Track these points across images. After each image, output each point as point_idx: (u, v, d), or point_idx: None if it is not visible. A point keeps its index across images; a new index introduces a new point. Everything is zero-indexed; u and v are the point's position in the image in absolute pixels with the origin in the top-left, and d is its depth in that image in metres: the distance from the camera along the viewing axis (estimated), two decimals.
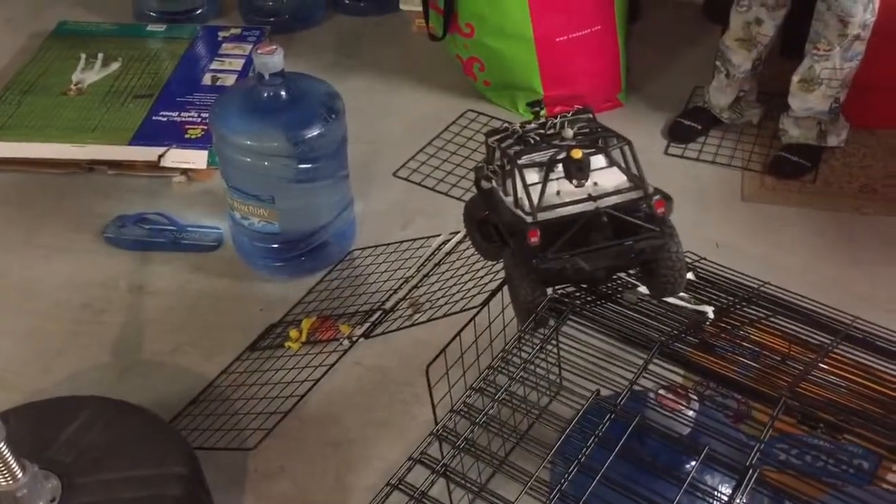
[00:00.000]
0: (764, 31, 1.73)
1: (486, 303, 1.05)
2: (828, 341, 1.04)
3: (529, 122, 1.06)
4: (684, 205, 1.74)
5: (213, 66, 2.10)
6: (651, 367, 0.97)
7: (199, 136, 1.86)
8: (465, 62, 2.00)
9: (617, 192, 0.98)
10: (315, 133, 1.44)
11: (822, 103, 1.74)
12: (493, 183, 1.04)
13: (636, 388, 0.96)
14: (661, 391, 0.97)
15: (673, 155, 1.88)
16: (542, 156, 1.00)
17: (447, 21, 1.92)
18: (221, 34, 2.21)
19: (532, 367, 1.13)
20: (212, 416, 1.35)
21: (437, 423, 0.96)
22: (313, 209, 1.55)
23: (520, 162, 0.98)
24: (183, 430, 1.31)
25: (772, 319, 1.10)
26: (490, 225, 1.09)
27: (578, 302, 1.08)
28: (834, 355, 1.02)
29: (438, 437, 0.93)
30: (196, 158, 1.81)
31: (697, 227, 1.68)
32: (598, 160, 1.00)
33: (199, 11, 2.36)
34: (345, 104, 1.51)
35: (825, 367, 1.00)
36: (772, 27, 1.73)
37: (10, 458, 0.95)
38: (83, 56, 2.12)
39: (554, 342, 1.14)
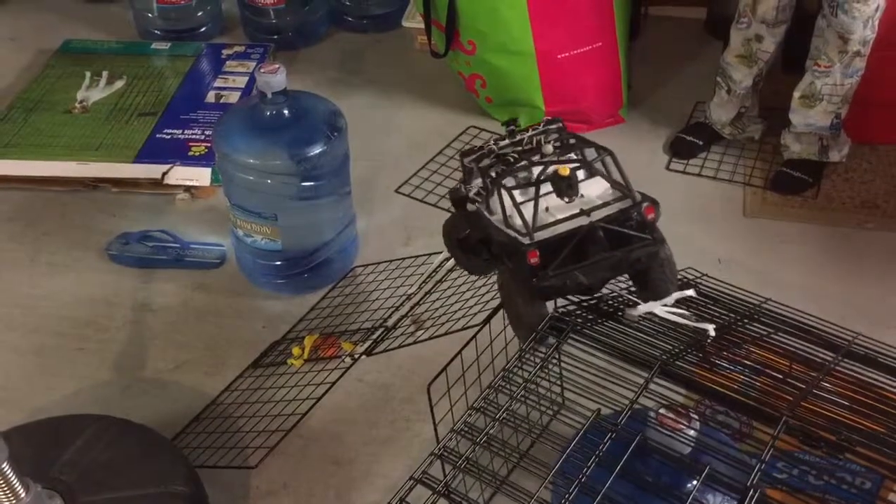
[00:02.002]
0: (764, 48, 1.74)
1: (487, 320, 1.05)
2: (829, 359, 1.03)
3: (503, 139, 1.06)
4: (685, 220, 1.75)
5: (217, 83, 2.11)
6: (652, 385, 0.97)
7: (203, 153, 1.87)
8: (467, 79, 2.01)
9: (606, 203, 0.99)
10: (317, 151, 1.45)
11: (824, 119, 1.74)
12: (478, 205, 1.04)
13: (637, 407, 0.96)
14: (662, 410, 0.97)
15: (674, 171, 1.88)
16: (525, 175, 1.01)
17: (449, 38, 1.93)
18: (225, 52, 2.22)
19: (533, 385, 1.13)
20: (214, 433, 1.35)
21: (438, 442, 0.96)
22: (316, 226, 1.56)
23: (505, 182, 0.98)
24: (185, 448, 1.31)
25: (773, 337, 1.10)
26: (477, 243, 1.09)
27: (580, 320, 1.08)
28: (836, 373, 1.02)
29: (440, 457, 0.93)
30: (199, 176, 1.82)
31: (699, 243, 1.68)
32: (581, 174, 1.01)
33: (203, 29, 2.38)
34: (347, 121, 1.52)
35: (827, 384, 1.00)
36: (772, 43, 1.73)
37: (12, 478, 0.95)
38: (88, 74, 2.13)
39: (555, 360, 1.14)
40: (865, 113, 1.80)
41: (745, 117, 1.88)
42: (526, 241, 0.95)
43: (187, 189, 1.83)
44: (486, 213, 1.02)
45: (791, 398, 0.95)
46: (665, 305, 1.07)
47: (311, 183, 1.47)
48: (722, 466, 0.89)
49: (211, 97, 2.07)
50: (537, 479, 0.93)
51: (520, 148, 1.04)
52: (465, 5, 1.86)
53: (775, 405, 0.93)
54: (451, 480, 0.92)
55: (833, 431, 0.89)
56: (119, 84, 2.11)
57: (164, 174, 1.82)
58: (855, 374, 1.03)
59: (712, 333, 1.04)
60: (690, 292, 1.13)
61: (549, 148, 1.03)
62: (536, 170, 1.01)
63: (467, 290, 1.51)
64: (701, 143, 1.91)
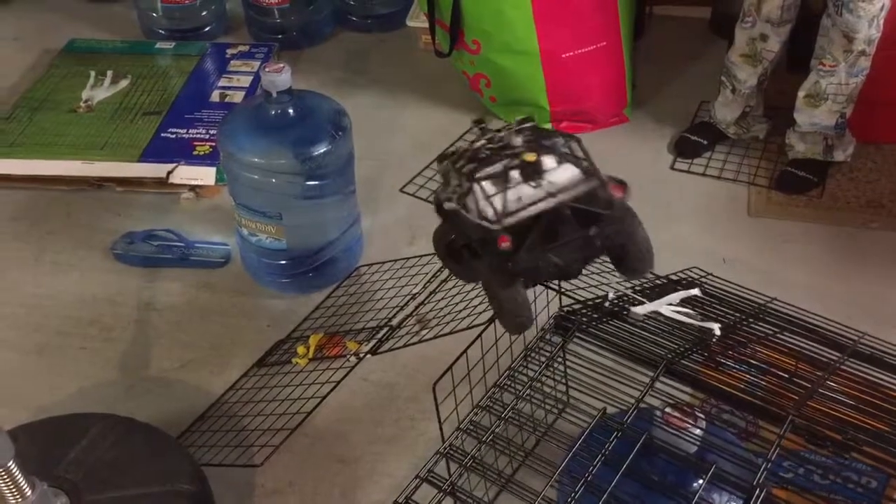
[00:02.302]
0: (769, 47, 1.74)
1: (492, 319, 1.05)
2: (835, 358, 1.03)
3: (476, 141, 1.07)
4: (690, 220, 1.75)
5: (222, 82, 2.11)
6: (658, 384, 0.97)
7: (208, 152, 1.87)
8: (471, 78, 2.01)
9: (573, 185, 0.99)
10: (322, 150, 1.45)
11: (828, 118, 1.74)
12: (455, 204, 1.04)
13: (643, 405, 0.96)
14: (668, 409, 0.97)
15: (679, 170, 1.88)
16: (495, 168, 1.02)
17: (453, 37, 1.93)
18: (230, 51, 2.22)
19: (539, 384, 1.13)
20: (219, 432, 1.35)
21: (444, 441, 0.96)
22: (320, 226, 1.56)
23: (477, 176, 1.00)
24: (190, 446, 1.31)
25: (779, 336, 1.10)
26: (461, 247, 1.09)
27: (585, 319, 1.08)
28: (841, 372, 1.02)
29: (445, 456, 0.93)
30: (204, 175, 1.82)
31: (704, 243, 1.68)
32: (549, 161, 1.01)
33: (207, 29, 2.38)
34: (352, 120, 1.52)
35: (833, 384, 1.00)
36: (777, 43, 1.73)
37: (19, 476, 0.96)
38: (92, 73, 2.13)
39: (560, 359, 1.14)
40: (870, 112, 1.80)
41: (750, 117, 1.88)
42: (496, 227, 0.96)
43: (192, 188, 1.83)
44: (462, 211, 1.03)
45: (797, 397, 0.95)
46: (670, 304, 1.07)
47: (316, 182, 1.47)
48: (728, 465, 0.89)
49: (215, 96, 2.07)
50: (543, 477, 0.93)
51: (491, 146, 1.05)
52: (469, 5, 1.86)
53: (781, 404, 0.93)
54: (456, 479, 0.92)
55: (839, 431, 0.89)
56: (123, 83, 2.11)
57: (169, 173, 1.82)
58: (860, 374, 1.03)
59: (718, 332, 1.04)
60: (695, 291, 1.13)
61: (517, 140, 1.04)
62: (504, 162, 1.01)
63: (472, 289, 1.50)
64: (705, 142, 1.91)
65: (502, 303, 1.01)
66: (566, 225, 0.98)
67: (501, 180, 0.99)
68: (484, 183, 0.99)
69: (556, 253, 0.98)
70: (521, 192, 0.99)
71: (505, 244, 0.96)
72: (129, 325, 1.56)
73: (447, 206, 1.05)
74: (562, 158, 1.02)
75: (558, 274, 1.02)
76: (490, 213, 0.98)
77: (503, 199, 0.98)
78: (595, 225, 0.98)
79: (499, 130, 1.06)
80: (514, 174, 0.99)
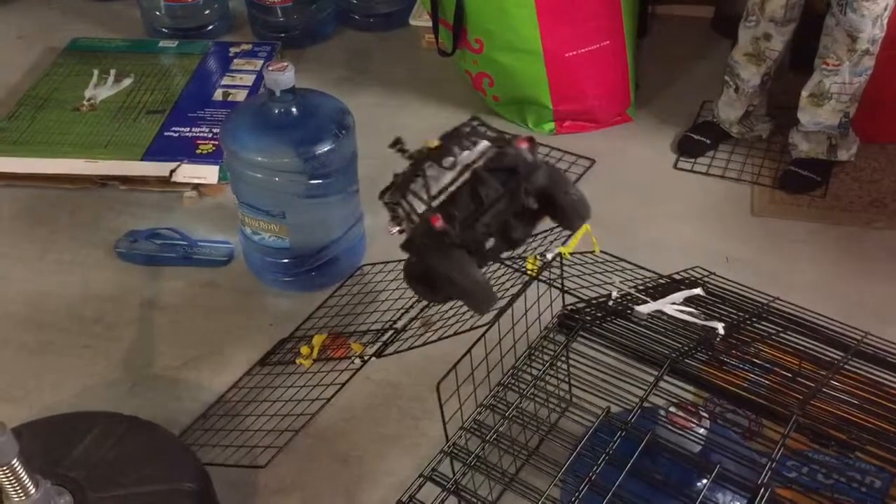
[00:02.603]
0: (773, 46, 1.74)
1: (496, 319, 1.05)
2: (839, 357, 1.03)
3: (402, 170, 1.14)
4: (693, 219, 1.75)
5: (225, 81, 2.11)
6: (661, 383, 0.97)
7: (211, 151, 1.87)
8: (474, 77, 2.01)
9: (483, 154, 1.06)
10: (325, 149, 1.45)
11: (832, 118, 1.74)
12: (404, 226, 1.11)
13: (646, 405, 0.96)
14: (672, 409, 0.97)
15: (682, 169, 1.88)
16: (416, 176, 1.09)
17: (456, 36, 1.93)
18: (233, 50, 2.22)
19: (542, 383, 1.13)
20: (222, 431, 1.36)
21: (447, 440, 0.96)
22: (323, 224, 1.56)
23: (406, 192, 1.07)
24: (193, 445, 1.31)
25: (782, 335, 1.09)
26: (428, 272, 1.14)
27: (588, 318, 1.08)
28: (845, 372, 1.02)
29: (449, 455, 0.93)
30: (207, 174, 1.82)
31: (706, 242, 1.68)
32: (460, 145, 1.07)
33: (210, 27, 2.38)
34: (355, 119, 1.52)
35: (836, 383, 1.00)
36: (780, 42, 1.73)
37: (22, 474, 0.96)
38: (96, 72, 2.13)
39: (564, 358, 1.14)
40: (874, 112, 1.80)
41: (754, 116, 1.88)
42: (427, 212, 1.02)
43: (195, 187, 1.83)
44: (409, 227, 1.09)
45: (801, 396, 0.95)
46: (674, 304, 1.07)
47: (319, 181, 1.47)
48: (732, 465, 0.89)
49: (218, 95, 2.07)
50: (546, 476, 0.93)
51: (412, 163, 1.11)
52: (472, 4, 1.86)
53: (785, 403, 0.93)
54: (460, 478, 0.92)
55: (843, 430, 0.89)
56: (127, 82, 2.11)
57: (172, 172, 1.82)
58: (864, 374, 1.03)
59: (721, 332, 1.04)
60: (699, 291, 1.13)
61: (433, 142, 1.09)
62: (430, 170, 1.08)
63: None
64: (709, 141, 1.91)
65: (463, 285, 1.03)
66: (487, 187, 1.03)
67: (421, 180, 1.06)
68: (411, 194, 1.07)
69: (487, 215, 1.03)
70: (441, 179, 1.06)
71: (438, 223, 1.00)
72: (132, 324, 1.56)
73: (392, 229, 1.12)
74: (471, 137, 1.08)
75: (503, 241, 1.07)
76: (420, 206, 1.05)
77: (426, 190, 1.05)
78: (513, 178, 1.03)
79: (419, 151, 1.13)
80: (429, 167, 1.06)
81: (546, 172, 1.05)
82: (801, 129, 1.79)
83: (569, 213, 1.07)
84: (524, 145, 1.04)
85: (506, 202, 1.04)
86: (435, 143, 1.06)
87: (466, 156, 1.06)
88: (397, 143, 1.15)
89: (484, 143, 1.07)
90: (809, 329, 1.09)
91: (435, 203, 1.02)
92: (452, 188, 1.03)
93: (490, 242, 1.06)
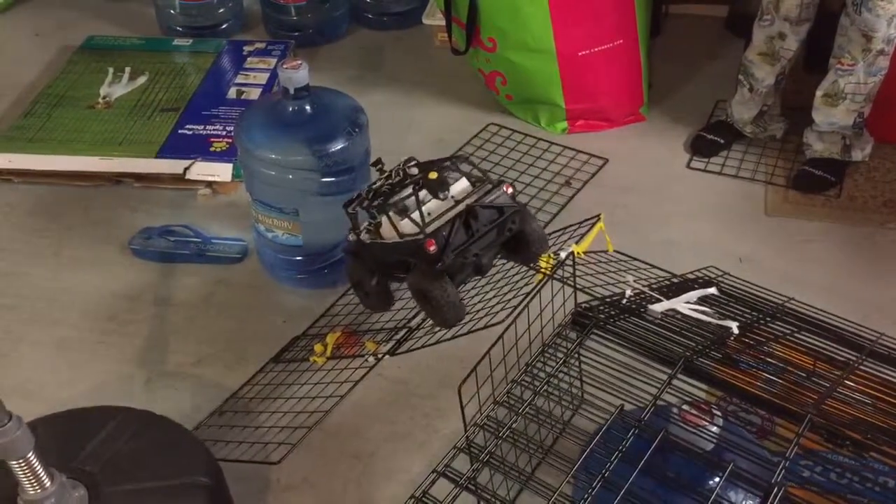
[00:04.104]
0: (787, 46, 1.73)
1: (514, 318, 1.05)
2: (853, 358, 1.03)
3: (375, 182, 1.27)
4: (706, 219, 1.75)
5: (239, 79, 2.12)
6: (675, 382, 0.97)
7: (224, 149, 1.88)
8: (487, 76, 2.01)
9: (471, 192, 1.21)
10: (338, 147, 1.45)
11: (846, 118, 1.73)
12: (371, 237, 1.26)
13: (660, 403, 0.96)
14: (685, 406, 0.96)
15: (695, 169, 1.88)
16: (403, 195, 1.22)
17: (469, 35, 1.93)
18: (246, 48, 2.23)
19: (556, 381, 1.13)
20: (236, 427, 1.36)
21: (465, 436, 0.96)
22: (336, 222, 1.54)
23: (388, 205, 1.20)
24: (207, 441, 1.31)
25: (796, 335, 1.09)
26: (375, 275, 1.32)
27: (602, 316, 1.08)
28: (859, 372, 1.02)
29: (463, 451, 0.93)
30: (221, 171, 1.83)
31: (720, 242, 1.67)
32: (449, 178, 1.21)
33: (224, 26, 2.39)
34: (368, 117, 1.53)
35: (851, 383, 0.99)
36: (795, 41, 1.72)
37: (38, 468, 0.96)
38: (111, 70, 2.15)
39: (577, 356, 1.14)
40: (889, 112, 1.79)
41: (767, 116, 1.87)
42: (421, 236, 1.13)
43: (209, 184, 1.84)
44: (380, 240, 1.24)
45: (815, 396, 0.95)
46: (688, 303, 1.07)
47: (333, 178, 1.48)
48: (745, 464, 0.89)
49: (232, 93, 2.08)
50: (559, 473, 0.93)
51: (389, 181, 1.25)
52: (486, 3, 1.86)
53: (800, 402, 0.93)
54: (474, 474, 0.92)
55: (858, 430, 0.89)
56: (141, 80, 2.13)
57: (186, 169, 1.83)
58: (879, 374, 1.02)
59: (735, 331, 1.04)
60: (712, 290, 1.13)
61: (413, 170, 1.23)
62: (409, 189, 1.21)
63: (490, 289, 1.50)
64: (722, 141, 1.90)
65: (440, 302, 1.16)
66: (477, 221, 1.17)
67: (412, 203, 1.19)
68: (394, 210, 1.20)
69: (476, 245, 1.17)
70: (432, 207, 1.19)
71: (432, 248, 1.12)
72: (146, 320, 1.57)
73: (364, 238, 1.26)
74: (455, 174, 1.23)
75: (475, 268, 1.21)
76: (411, 228, 1.17)
77: (420, 213, 1.16)
78: (501, 216, 1.19)
79: (394, 170, 1.26)
80: (423, 193, 1.19)
81: (524, 214, 1.22)
82: (815, 129, 1.79)
83: (533, 252, 1.24)
84: (510, 190, 1.21)
85: (493, 235, 1.19)
86: (435, 174, 1.18)
87: (455, 190, 1.21)
88: (377, 164, 1.31)
89: (465, 182, 1.23)
90: (823, 329, 1.08)
91: (428, 229, 1.14)
92: (446, 217, 1.16)
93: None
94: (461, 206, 1.17)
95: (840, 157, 1.79)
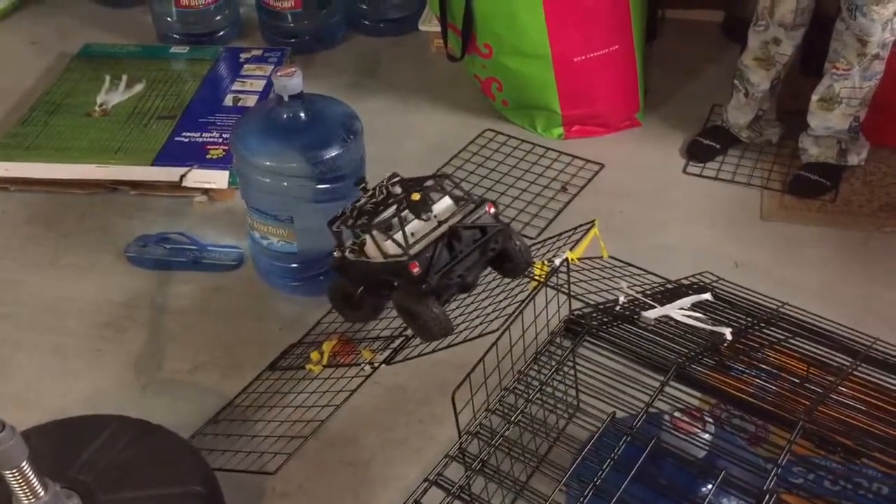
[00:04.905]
0: (782, 51, 1.73)
1: (507, 326, 1.05)
2: (847, 363, 1.03)
3: (359, 200, 1.29)
4: (702, 224, 1.75)
5: (235, 86, 2.13)
6: (668, 389, 0.97)
7: (221, 156, 1.88)
8: (483, 82, 2.01)
9: (456, 211, 1.22)
10: (333, 154, 1.45)
11: (842, 122, 1.73)
12: (356, 256, 1.27)
13: (652, 410, 0.96)
14: (677, 413, 0.96)
15: (691, 174, 1.88)
16: (386, 214, 1.23)
17: (465, 41, 1.94)
18: (243, 55, 2.24)
19: (550, 389, 1.13)
20: (232, 436, 1.36)
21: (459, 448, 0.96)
22: None
23: (372, 225, 1.21)
24: (203, 449, 1.31)
25: (790, 341, 1.09)
26: (357, 292, 1.33)
27: (595, 323, 1.08)
28: (854, 377, 1.02)
29: (454, 459, 0.93)
30: (217, 178, 1.84)
31: (716, 247, 1.68)
32: (432, 197, 1.22)
33: (221, 33, 2.39)
34: (363, 124, 1.53)
35: (844, 389, 0.99)
36: (790, 46, 1.73)
37: (32, 477, 0.96)
38: (108, 77, 2.15)
39: (570, 363, 1.14)
40: (884, 116, 1.79)
41: (763, 120, 1.87)
42: (405, 257, 1.15)
43: (205, 191, 1.84)
44: (364, 259, 1.25)
45: (808, 402, 0.95)
46: (681, 309, 1.07)
47: (327, 185, 1.48)
48: (737, 470, 0.89)
49: (229, 100, 2.08)
50: (552, 481, 0.93)
51: (374, 199, 1.26)
52: (481, 9, 1.86)
53: (791, 409, 0.93)
54: (466, 482, 0.92)
55: (850, 436, 0.89)
56: (138, 87, 2.13)
57: (182, 177, 1.83)
58: (873, 379, 1.02)
59: (729, 337, 1.04)
60: (707, 296, 1.13)
61: (397, 189, 1.25)
62: (393, 209, 1.23)
63: (485, 297, 1.51)
64: (718, 146, 1.91)
65: (426, 320, 1.18)
66: (461, 242, 1.19)
67: (396, 222, 1.20)
68: (378, 230, 1.20)
69: (461, 266, 1.18)
70: (415, 227, 1.21)
71: (416, 269, 1.14)
72: (142, 328, 1.57)
73: (350, 256, 1.27)
74: (438, 194, 1.24)
75: (460, 287, 1.22)
76: (394, 249, 1.18)
77: (403, 235, 1.18)
78: (484, 235, 1.20)
79: (376, 188, 1.28)
80: (407, 213, 1.20)
81: (506, 232, 1.23)
82: (810, 134, 1.79)
83: (518, 267, 1.25)
84: (492, 210, 1.22)
85: (476, 256, 1.20)
86: (417, 196, 1.20)
87: (438, 210, 1.22)
88: (361, 182, 1.34)
89: (448, 201, 1.24)
90: (818, 335, 1.08)
91: (412, 251, 1.16)
92: (430, 238, 1.18)
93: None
94: (444, 228, 1.19)
95: (836, 162, 1.79)
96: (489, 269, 1.29)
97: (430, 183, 1.25)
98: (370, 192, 1.28)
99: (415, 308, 1.18)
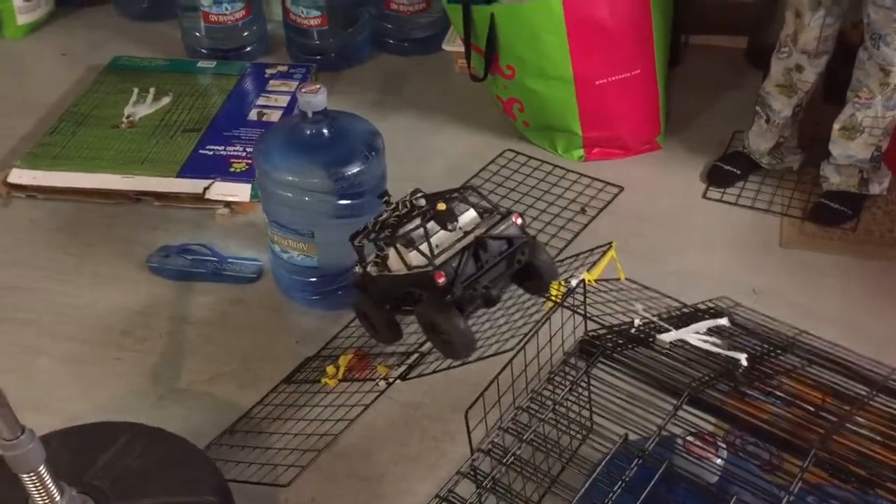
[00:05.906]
0: (805, 78, 1.74)
1: (522, 345, 1.05)
2: (864, 393, 1.02)
3: (381, 214, 1.28)
4: (721, 250, 1.75)
5: (260, 101, 2.15)
6: (681, 413, 0.97)
7: (244, 169, 1.90)
8: (504, 103, 2.03)
9: (479, 223, 1.21)
10: (355, 170, 1.47)
11: (864, 151, 1.73)
12: (378, 270, 1.26)
13: (665, 433, 0.95)
14: (690, 438, 0.96)
15: (711, 199, 1.88)
16: (411, 226, 1.22)
17: (488, 62, 1.95)
18: (269, 71, 2.27)
19: (563, 409, 1.14)
20: (246, 447, 1.37)
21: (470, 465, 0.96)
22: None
23: (396, 236, 1.20)
24: (217, 459, 1.32)
25: (807, 369, 1.09)
26: (384, 306, 1.32)
27: (610, 345, 1.09)
28: (870, 408, 1.01)
29: (466, 476, 0.93)
30: (239, 192, 1.86)
31: (734, 273, 1.67)
32: (458, 209, 1.21)
33: (248, 49, 2.43)
34: (386, 142, 1.54)
35: (860, 419, 0.99)
36: (813, 74, 1.73)
37: (48, 481, 0.98)
38: (135, 90, 2.18)
39: (584, 384, 1.14)
40: None
41: (784, 147, 1.87)
42: (430, 268, 1.13)
43: (227, 204, 1.86)
44: (387, 272, 1.24)
45: (823, 431, 0.94)
46: (697, 333, 1.07)
47: (348, 201, 1.49)
48: (749, 497, 0.88)
49: (253, 115, 2.11)
50: (563, 503, 0.93)
51: (397, 213, 1.26)
52: (505, 30, 1.88)
53: (806, 437, 0.92)
54: (478, 500, 0.92)
55: (864, 465, 0.88)
56: (165, 100, 2.16)
57: (206, 189, 1.85)
58: (889, 410, 1.02)
59: (744, 363, 1.04)
60: (724, 321, 1.13)
61: (421, 201, 1.24)
62: (417, 221, 1.21)
63: (500, 316, 1.51)
64: (738, 172, 1.90)
65: (449, 333, 1.15)
66: (487, 252, 1.17)
67: (421, 234, 1.19)
68: (402, 243, 1.19)
69: (486, 277, 1.16)
70: (441, 238, 1.19)
71: (441, 279, 1.12)
72: (161, 337, 1.59)
73: (372, 271, 1.27)
74: (464, 205, 1.23)
75: (485, 300, 1.19)
76: (419, 260, 1.16)
77: (428, 245, 1.16)
78: (510, 247, 1.18)
79: (401, 202, 1.27)
80: (432, 224, 1.19)
81: (533, 244, 1.21)
82: (832, 162, 1.78)
83: (544, 283, 1.24)
84: (519, 220, 1.20)
85: (503, 267, 1.18)
86: (443, 206, 1.19)
87: (463, 221, 1.21)
88: (384, 195, 1.34)
89: (473, 212, 1.22)
90: (835, 363, 1.08)
91: (437, 261, 1.14)
92: (455, 249, 1.16)
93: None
94: (470, 238, 1.17)
95: (857, 191, 1.79)
96: (513, 285, 1.27)
97: (455, 195, 1.24)
98: (393, 206, 1.27)
99: (438, 321, 1.16)
